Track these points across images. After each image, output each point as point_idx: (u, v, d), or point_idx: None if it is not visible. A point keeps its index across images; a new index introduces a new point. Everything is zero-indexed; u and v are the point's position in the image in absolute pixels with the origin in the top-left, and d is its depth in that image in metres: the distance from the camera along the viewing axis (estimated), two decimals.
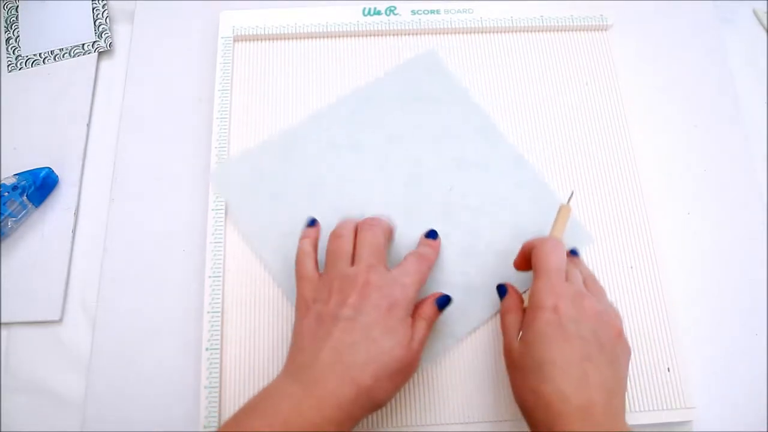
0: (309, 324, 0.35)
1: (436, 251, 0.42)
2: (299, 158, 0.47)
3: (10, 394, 0.43)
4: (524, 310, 0.36)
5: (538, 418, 0.32)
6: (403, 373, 0.34)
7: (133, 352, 0.43)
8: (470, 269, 0.43)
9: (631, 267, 0.45)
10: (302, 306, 0.37)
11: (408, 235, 0.43)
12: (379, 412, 0.41)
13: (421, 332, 0.36)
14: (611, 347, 0.33)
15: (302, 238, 0.41)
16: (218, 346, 0.42)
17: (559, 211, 0.41)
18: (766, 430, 0.41)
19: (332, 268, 0.37)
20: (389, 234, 0.41)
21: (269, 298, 0.44)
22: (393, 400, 0.41)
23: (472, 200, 0.45)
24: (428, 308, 0.38)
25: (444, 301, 0.39)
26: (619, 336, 0.35)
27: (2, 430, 0.42)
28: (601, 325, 0.34)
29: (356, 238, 0.39)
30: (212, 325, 0.42)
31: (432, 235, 0.42)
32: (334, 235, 0.39)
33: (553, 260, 0.36)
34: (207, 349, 0.42)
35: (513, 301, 0.39)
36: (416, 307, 0.38)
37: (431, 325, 0.38)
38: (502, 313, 0.38)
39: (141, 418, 0.41)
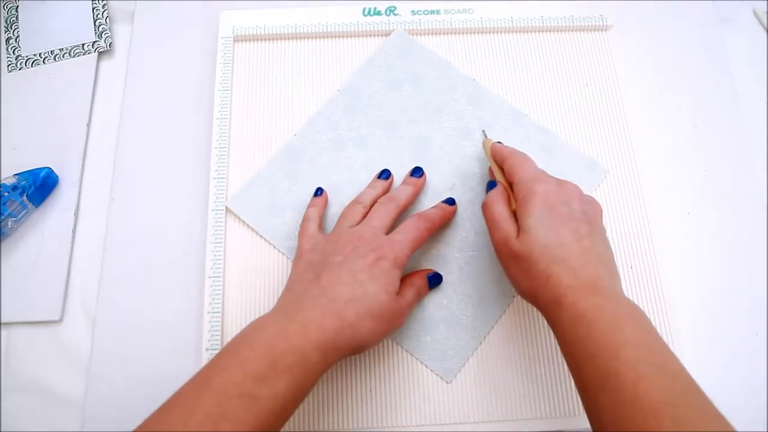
0: (299, 269, 0.38)
1: (443, 214, 0.42)
2: (306, 167, 0.47)
3: (10, 394, 0.43)
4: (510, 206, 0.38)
5: (547, 299, 0.33)
6: (387, 319, 0.35)
7: (133, 352, 0.43)
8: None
9: (631, 267, 0.45)
10: (298, 256, 0.39)
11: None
12: (379, 410, 0.41)
13: (409, 296, 0.38)
14: (599, 225, 0.36)
15: (309, 206, 0.44)
16: (218, 346, 0.42)
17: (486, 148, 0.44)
18: (766, 430, 0.41)
19: (336, 228, 0.40)
20: (404, 208, 0.42)
21: (269, 298, 0.44)
22: (393, 400, 0.41)
23: (486, 163, 0.46)
24: (418, 279, 0.40)
25: (435, 279, 0.42)
26: (601, 214, 0.37)
27: (2, 430, 0.42)
28: (586, 204, 0.36)
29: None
30: (212, 325, 0.42)
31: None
32: (353, 201, 0.42)
33: (528, 160, 0.39)
34: (207, 350, 0.42)
35: (501, 192, 0.39)
36: (408, 277, 0.40)
37: (419, 295, 0.40)
38: (489, 204, 0.38)
39: (141, 418, 0.41)
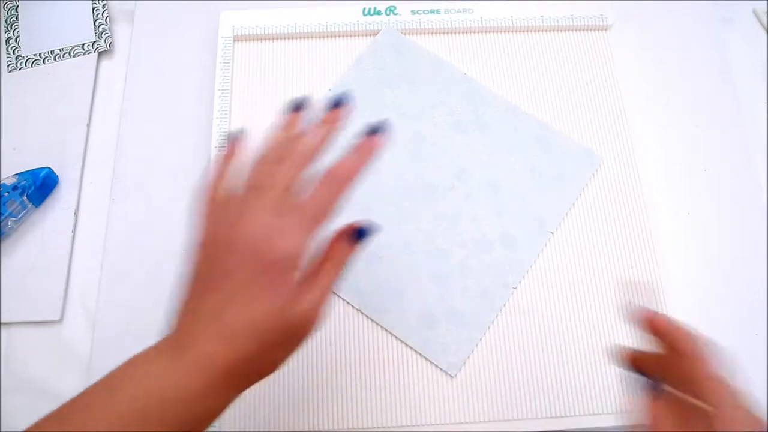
0: (192, 272, 0.30)
1: (362, 159, 0.29)
2: None
3: (10, 394, 0.43)
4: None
5: None
6: (283, 344, 0.28)
7: (132, 352, 0.43)
8: (501, 221, 0.45)
9: (632, 267, 0.45)
10: (195, 247, 0.30)
11: (421, 214, 0.45)
12: (379, 409, 0.41)
13: (314, 297, 0.28)
14: None
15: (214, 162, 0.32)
16: None
17: None
18: (766, 430, 0.41)
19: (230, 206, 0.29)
20: (307, 163, 0.29)
21: None
22: (393, 400, 0.41)
23: (482, 157, 0.47)
24: (337, 251, 0.30)
25: (363, 233, 0.30)
26: None
27: (2, 430, 0.42)
28: None
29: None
30: None
31: (375, 131, 0.30)
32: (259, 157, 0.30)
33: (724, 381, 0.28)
34: None
35: (669, 408, 0.28)
36: (318, 261, 0.30)
37: (339, 269, 0.30)
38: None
39: None
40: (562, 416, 0.41)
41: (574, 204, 0.46)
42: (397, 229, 0.44)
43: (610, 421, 0.41)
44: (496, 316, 0.43)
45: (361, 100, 0.47)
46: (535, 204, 0.45)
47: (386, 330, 0.42)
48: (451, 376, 0.41)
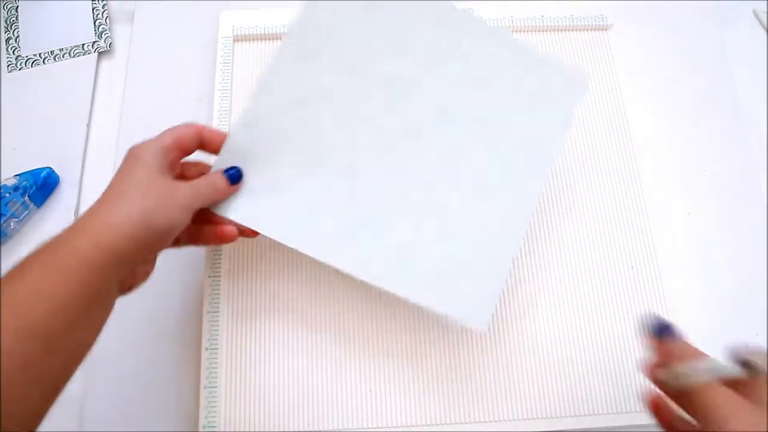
0: None
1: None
2: (268, 142, 0.40)
3: None
4: None
5: None
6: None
7: (132, 352, 0.43)
8: (498, 155, 0.40)
9: (632, 267, 0.45)
10: None
11: (410, 162, 0.40)
12: (379, 410, 0.41)
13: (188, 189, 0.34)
14: None
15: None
16: (218, 346, 0.42)
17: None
18: (766, 430, 0.41)
19: None
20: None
21: (268, 296, 0.44)
22: (393, 400, 0.41)
23: (465, 90, 0.41)
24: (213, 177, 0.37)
25: (235, 175, 0.37)
26: None
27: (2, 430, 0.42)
28: None
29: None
30: (212, 325, 0.42)
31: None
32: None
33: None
34: (207, 349, 0.42)
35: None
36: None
37: (208, 189, 0.36)
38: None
39: (140, 417, 0.41)
40: (562, 416, 0.41)
41: (569, 125, 0.41)
42: (387, 184, 0.39)
43: (610, 421, 0.41)
44: (514, 256, 0.39)
45: (322, 46, 0.40)
46: (528, 132, 0.41)
47: (401, 300, 0.38)
48: (484, 331, 0.37)
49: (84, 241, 0.29)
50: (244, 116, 0.38)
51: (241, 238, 0.45)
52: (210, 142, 0.38)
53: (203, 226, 0.38)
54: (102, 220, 0.30)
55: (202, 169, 0.38)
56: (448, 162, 0.40)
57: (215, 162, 0.38)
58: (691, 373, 0.26)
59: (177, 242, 0.37)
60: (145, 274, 0.36)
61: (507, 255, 0.39)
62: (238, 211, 0.38)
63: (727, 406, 0.25)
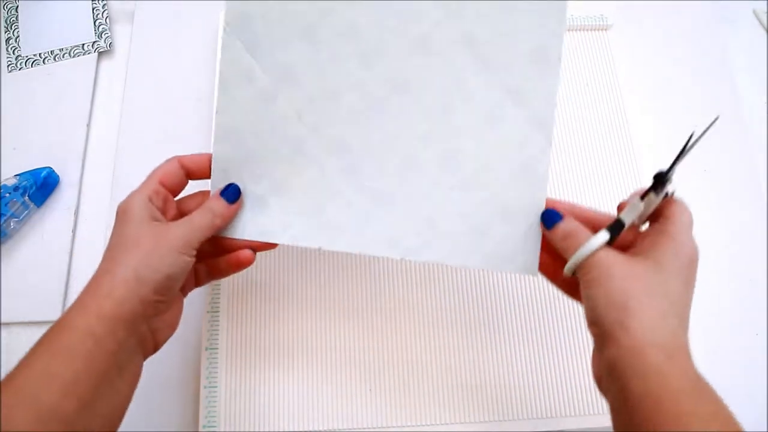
0: None
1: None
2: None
3: None
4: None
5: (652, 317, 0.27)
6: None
7: None
8: (496, 74, 0.34)
9: None
10: None
11: (399, 107, 0.35)
12: (379, 410, 0.41)
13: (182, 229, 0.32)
14: None
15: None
16: (218, 347, 0.42)
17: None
18: (766, 430, 0.41)
19: None
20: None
21: (269, 297, 0.44)
22: (393, 400, 0.41)
23: (456, 31, 0.34)
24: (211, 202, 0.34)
25: (231, 193, 0.35)
26: None
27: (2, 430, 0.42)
28: None
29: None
30: (212, 325, 0.42)
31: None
32: None
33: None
34: (207, 349, 0.42)
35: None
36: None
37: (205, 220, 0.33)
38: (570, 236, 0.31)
39: (140, 417, 0.41)
40: (562, 416, 0.41)
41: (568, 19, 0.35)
42: (388, 148, 0.35)
43: (610, 421, 0.41)
44: (546, 187, 0.34)
45: (267, 26, 0.35)
46: (523, 32, 0.34)
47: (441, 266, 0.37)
48: (533, 275, 0.34)
49: (84, 315, 0.28)
50: (216, 129, 0.36)
51: None
52: (196, 169, 0.36)
53: (218, 258, 0.36)
54: (97, 289, 0.30)
55: (201, 200, 0.36)
56: (447, 102, 0.35)
57: (210, 185, 0.36)
58: (587, 251, 0.29)
59: (198, 281, 0.36)
60: (170, 327, 0.33)
61: (538, 183, 0.34)
62: (246, 228, 0.36)
63: (610, 262, 0.29)
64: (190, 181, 0.37)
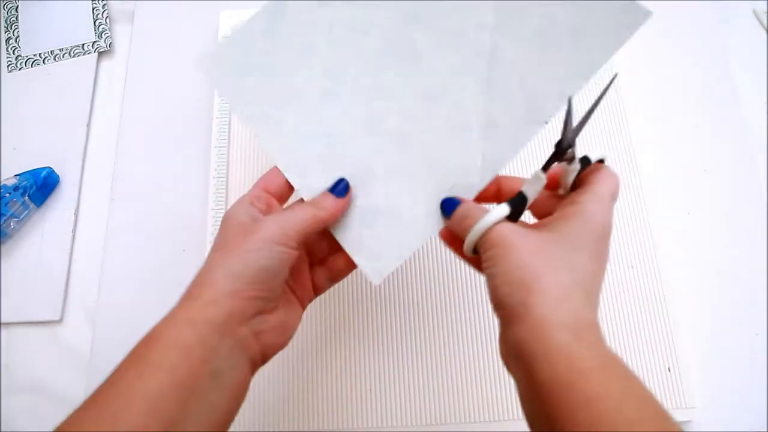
0: None
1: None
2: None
3: (10, 394, 0.43)
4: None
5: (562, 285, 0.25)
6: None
7: None
8: (487, 97, 0.32)
9: (632, 267, 0.45)
10: None
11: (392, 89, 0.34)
12: (379, 410, 0.41)
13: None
14: None
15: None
16: None
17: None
18: (766, 430, 0.41)
19: None
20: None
21: None
22: (393, 400, 0.41)
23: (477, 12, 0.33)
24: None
25: (340, 188, 0.32)
26: None
27: (2, 430, 0.42)
28: None
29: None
30: None
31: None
32: None
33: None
34: None
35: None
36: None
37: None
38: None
39: None
40: None
41: (588, 80, 0.32)
42: (353, 113, 0.34)
43: None
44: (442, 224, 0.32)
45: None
46: (534, 76, 0.32)
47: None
48: (374, 282, 0.32)
49: (172, 324, 0.26)
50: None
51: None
52: None
53: (336, 256, 0.34)
54: (188, 297, 0.27)
55: None
56: (435, 96, 0.33)
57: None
58: (482, 227, 0.27)
59: (318, 289, 0.34)
60: (279, 331, 0.30)
61: (441, 216, 0.32)
62: (382, 259, 0.32)
63: (510, 237, 0.26)
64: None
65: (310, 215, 0.30)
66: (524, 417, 0.25)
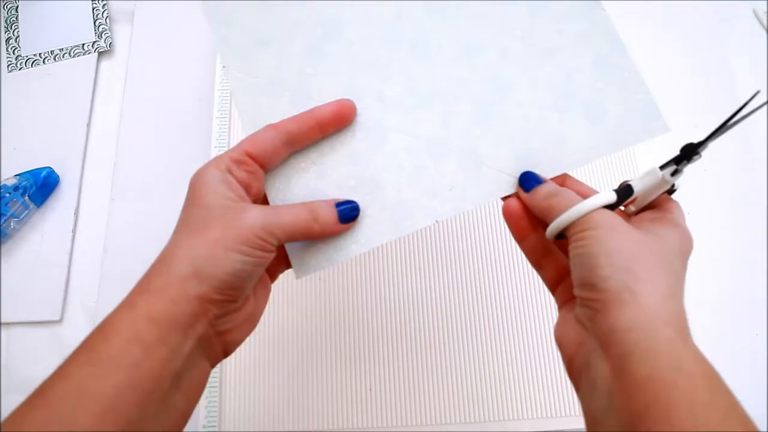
0: None
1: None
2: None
3: (10, 394, 0.43)
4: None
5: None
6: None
7: None
8: (478, 131, 0.30)
9: None
10: None
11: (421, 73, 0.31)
12: (379, 410, 0.41)
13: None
14: None
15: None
16: None
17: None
18: (766, 430, 0.41)
19: None
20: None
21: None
22: (393, 400, 0.41)
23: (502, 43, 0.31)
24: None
25: (348, 211, 0.28)
26: None
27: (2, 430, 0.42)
28: None
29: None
30: None
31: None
32: None
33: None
34: None
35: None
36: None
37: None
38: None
39: None
40: (563, 416, 0.41)
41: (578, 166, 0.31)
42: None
43: None
44: (397, 238, 0.29)
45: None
46: (530, 138, 0.30)
47: None
48: (295, 277, 0.30)
49: (131, 317, 0.23)
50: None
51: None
52: (298, 131, 0.28)
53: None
54: (149, 284, 0.25)
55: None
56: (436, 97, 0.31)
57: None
58: (586, 207, 0.25)
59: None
60: (244, 326, 0.27)
61: (380, 235, 0.29)
62: (316, 255, 0.29)
63: (614, 221, 0.25)
64: None
65: (302, 223, 0.27)
66: (584, 411, 0.24)
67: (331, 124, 0.29)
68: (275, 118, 0.28)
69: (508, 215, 0.29)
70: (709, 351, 0.43)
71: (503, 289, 0.44)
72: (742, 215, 0.48)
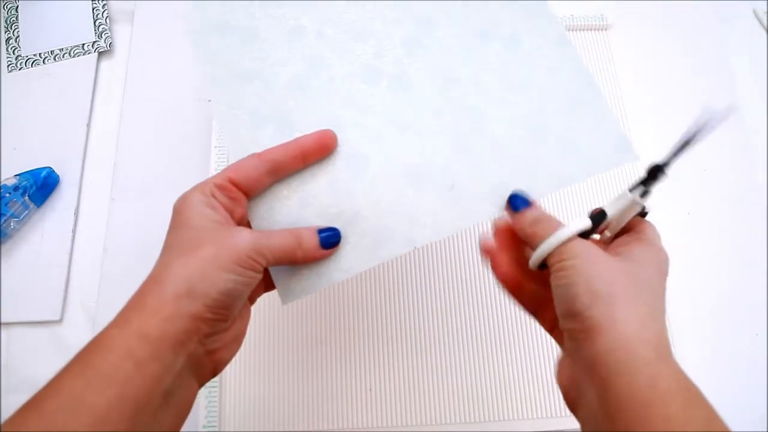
0: None
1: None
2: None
3: (10, 394, 0.43)
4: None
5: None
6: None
7: None
8: (462, 164, 0.31)
9: None
10: None
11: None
12: (379, 410, 0.41)
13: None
14: None
15: None
16: None
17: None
18: (766, 430, 0.41)
19: None
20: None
21: (268, 297, 0.44)
22: (393, 400, 0.41)
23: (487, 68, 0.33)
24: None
25: (330, 238, 0.29)
26: None
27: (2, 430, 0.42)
28: None
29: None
30: None
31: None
32: None
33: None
34: None
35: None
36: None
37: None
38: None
39: None
40: (563, 416, 0.41)
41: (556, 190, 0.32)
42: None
43: None
44: (380, 263, 0.30)
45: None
46: (505, 166, 0.31)
47: None
48: (281, 303, 0.30)
49: (125, 333, 0.24)
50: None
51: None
52: (283, 160, 0.29)
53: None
54: (142, 302, 0.25)
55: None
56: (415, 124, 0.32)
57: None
58: (565, 235, 0.26)
59: (269, 285, 0.31)
60: (232, 346, 0.28)
61: (362, 263, 0.30)
62: (301, 281, 0.30)
63: (590, 250, 0.26)
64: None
65: (288, 248, 0.28)
66: None
67: (314, 153, 0.30)
68: (259, 148, 0.29)
69: (493, 244, 0.30)
70: (709, 351, 0.43)
71: (503, 291, 0.44)
72: (742, 216, 0.48)
